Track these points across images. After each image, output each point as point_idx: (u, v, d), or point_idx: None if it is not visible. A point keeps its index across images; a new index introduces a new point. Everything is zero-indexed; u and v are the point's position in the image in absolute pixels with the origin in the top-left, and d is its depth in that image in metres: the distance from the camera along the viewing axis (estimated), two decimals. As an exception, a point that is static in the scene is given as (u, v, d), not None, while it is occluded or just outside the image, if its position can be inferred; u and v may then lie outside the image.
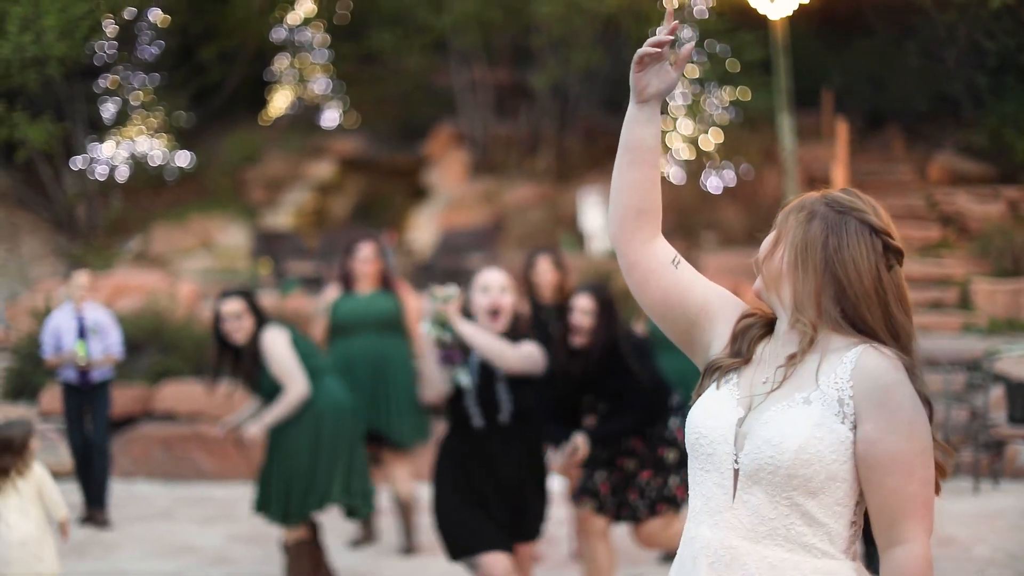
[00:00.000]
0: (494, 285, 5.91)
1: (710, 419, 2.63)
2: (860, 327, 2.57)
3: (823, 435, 2.49)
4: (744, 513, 2.54)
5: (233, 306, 6.99)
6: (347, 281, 8.64)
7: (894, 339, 2.55)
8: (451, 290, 5.87)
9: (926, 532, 2.46)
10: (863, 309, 2.55)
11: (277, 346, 6.98)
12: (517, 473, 5.97)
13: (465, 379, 5.88)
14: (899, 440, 2.46)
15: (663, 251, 2.82)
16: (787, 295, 2.62)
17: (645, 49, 2.73)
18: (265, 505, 7.21)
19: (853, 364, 2.51)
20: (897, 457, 2.46)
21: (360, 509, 7.43)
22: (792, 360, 2.58)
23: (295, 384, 6.98)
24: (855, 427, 2.49)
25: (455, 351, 5.87)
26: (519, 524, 5.99)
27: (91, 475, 9.89)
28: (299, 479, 7.11)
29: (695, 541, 2.60)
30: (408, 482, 8.65)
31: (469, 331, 5.80)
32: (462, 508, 5.87)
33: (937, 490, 2.53)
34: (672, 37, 2.73)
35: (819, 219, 2.60)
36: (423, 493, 8.87)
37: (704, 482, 2.62)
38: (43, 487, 5.98)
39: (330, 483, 7.19)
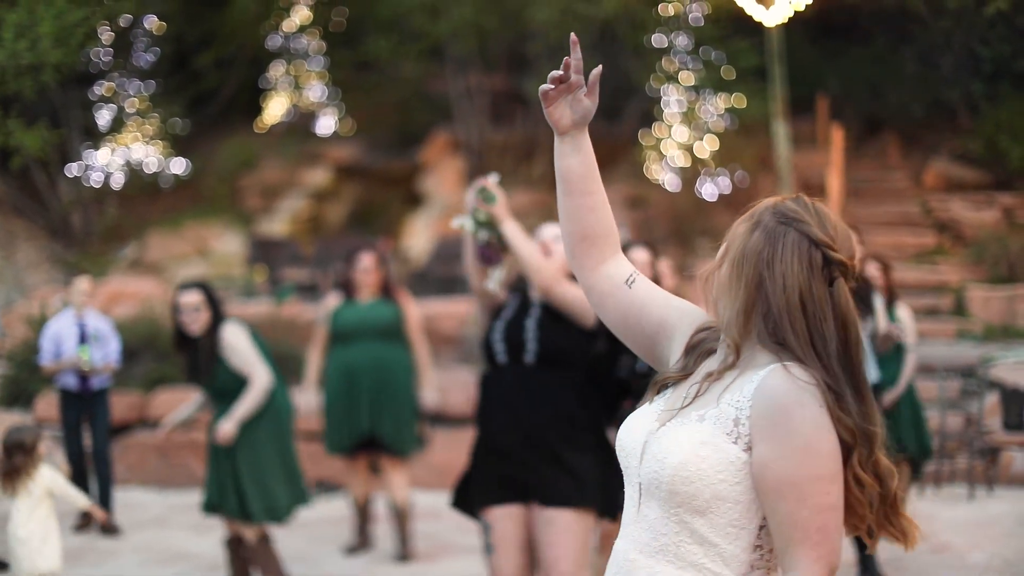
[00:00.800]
0: (548, 234, 5.58)
1: (627, 432, 2.59)
2: (784, 344, 2.45)
3: (707, 454, 2.39)
4: (643, 527, 2.49)
5: (191, 298, 7.07)
6: (348, 290, 8.69)
7: (819, 359, 2.41)
8: (494, 183, 5.38)
9: (818, 561, 2.33)
10: (786, 325, 2.43)
11: (239, 338, 7.07)
12: (546, 424, 5.30)
13: (494, 285, 5.40)
14: (791, 465, 2.34)
15: (616, 272, 2.79)
16: (722, 309, 2.54)
17: (545, 87, 2.74)
18: (223, 503, 7.20)
19: (756, 383, 2.41)
20: (788, 482, 2.34)
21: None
22: (708, 377, 2.51)
23: (260, 374, 7.05)
24: (750, 448, 2.39)
25: (493, 250, 5.37)
26: (554, 486, 5.24)
27: (90, 483, 9.88)
28: (273, 473, 7.20)
29: (614, 552, 2.59)
30: (405, 489, 8.65)
31: (513, 230, 5.30)
32: (473, 458, 5.49)
33: (850, 532, 2.45)
34: (564, 73, 2.75)
35: (760, 230, 2.50)
36: (419, 500, 8.88)
37: (626, 495, 2.59)
38: (55, 487, 6.27)
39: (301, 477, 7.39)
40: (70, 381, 9.76)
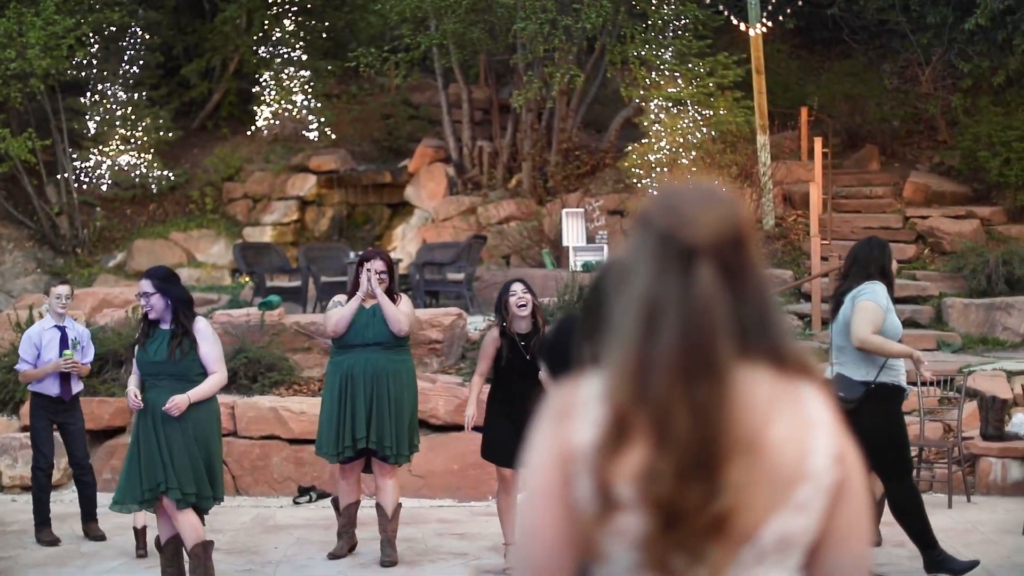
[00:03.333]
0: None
1: None
2: None
3: None
4: None
5: (144, 286, 7.47)
6: (354, 293, 8.71)
7: None
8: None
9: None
10: None
11: (210, 330, 7.56)
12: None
13: None
14: None
15: None
16: None
17: None
18: (179, 485, 7.42)
19: None
20: None
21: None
22: None
23: (223, 371, 7.55)
24: None
25: None
26: None
27: (85, 492, 9.88)
28: (217, 462, 7.62)
29: None
30: (394, 494, 8.70)
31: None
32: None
33: None
34: None
35: None
36: (401, 506, 8.95)
37: None
38: None
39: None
40: (51, 386, 9.71)
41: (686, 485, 1.87)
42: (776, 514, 1.93)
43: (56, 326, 9.75)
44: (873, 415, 7.24)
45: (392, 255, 18.56)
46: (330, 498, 8.99)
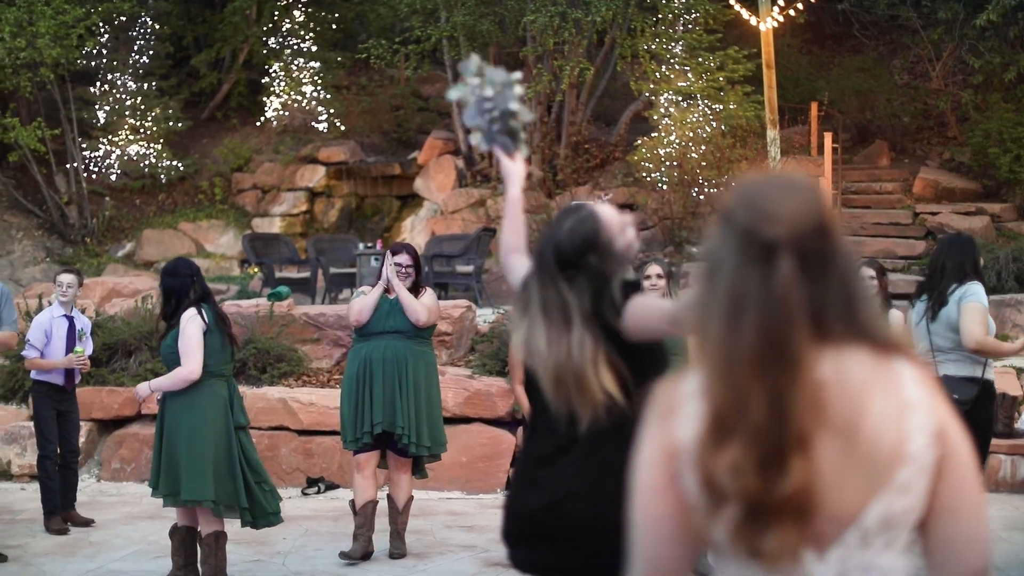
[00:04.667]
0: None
1: None
2: None
3: None
4: None
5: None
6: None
7: None
8: None
9: None
10: None
11: (191, 325, 7.41)
12: None
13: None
14: None
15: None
16: None
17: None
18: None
19: None
20: None
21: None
22: None
23: (190, 366, 7.37)
24: None
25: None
26: None
27: (70, 478, 9.91)
28: (191, 459, 7.48)
29: None
30: (407, 488, 8.70)
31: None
32: None
33: None
34: None
35: None
36: (417, 497, 8.95)
37: None
38: None
39: None
40: (56, 375, 9.77)
41: (766, 474, 1.92)
42: (877, 496, 1.98)
43: (65, 315, 9.79)
44: (986, 411, 7.26)
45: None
46: (349, 501, 8.86)
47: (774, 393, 1.94)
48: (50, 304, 10.28)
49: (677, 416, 2.07)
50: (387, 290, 8.70)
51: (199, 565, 7.69)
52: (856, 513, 1.98)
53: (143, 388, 7.60)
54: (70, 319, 9.81)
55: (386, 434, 8.43)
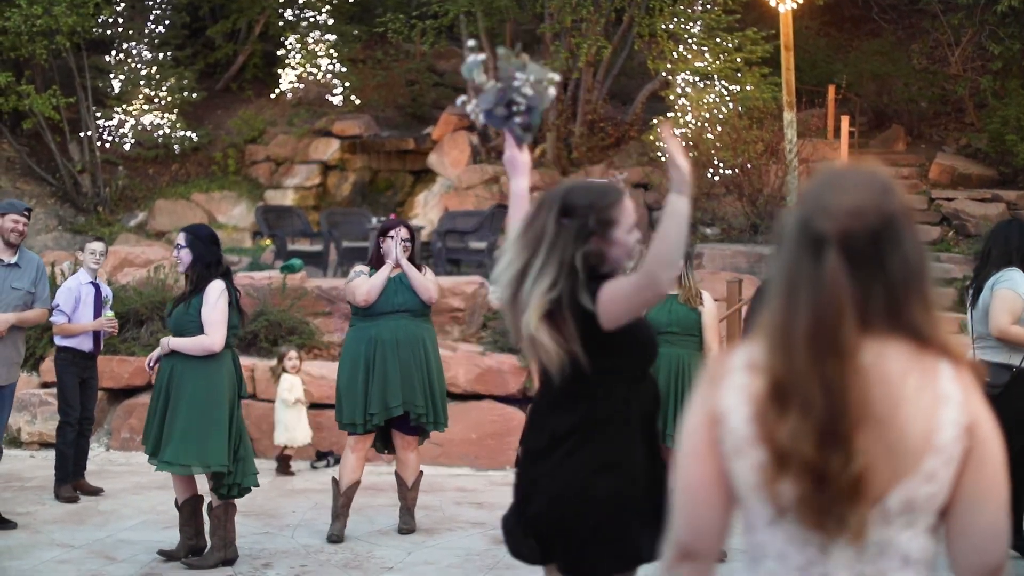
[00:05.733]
0: None
1: None
2: None
3: None
4: None
5: (179, 238, 7.61)
6: (379, 263, 8.61)
7: None
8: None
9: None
10: None
11: (221, 298, 7.44)
12: None
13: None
14: None
15: None
16: None
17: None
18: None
19: None
20: None
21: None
22: None
23: (215, 337, 7.40)
24: None
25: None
26: None
27: (83, 446, 9.94)
28: (190, 425, 7.49)
29: None
30: (416, 464, 8.68)
31: None
32: None
33: None
34: None
35: None
36: (426, 472, 8.93)
37: None
38: None
39: None
40: (85, 342, 9.83)
41: (826, 451, 2.05)
42: (903, 482, 2.10)
43: (92, 282, 9.85)
44: (1018, 399, 7.16)
45: (414, 222, 18.64)
46: (332, 478, 8.75)
47: (826, 372, 2.05)
48: (73, 272, 10.28)
49: (723, 386, 2.20)
50: (378, 266, 8.56)
51: (207, 536, 7.70)
52: (882, 495, 2.09)
53: (163, 343, 7.52)
54: (96, 286, 9.87)
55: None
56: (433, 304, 8.61)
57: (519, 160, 4.18)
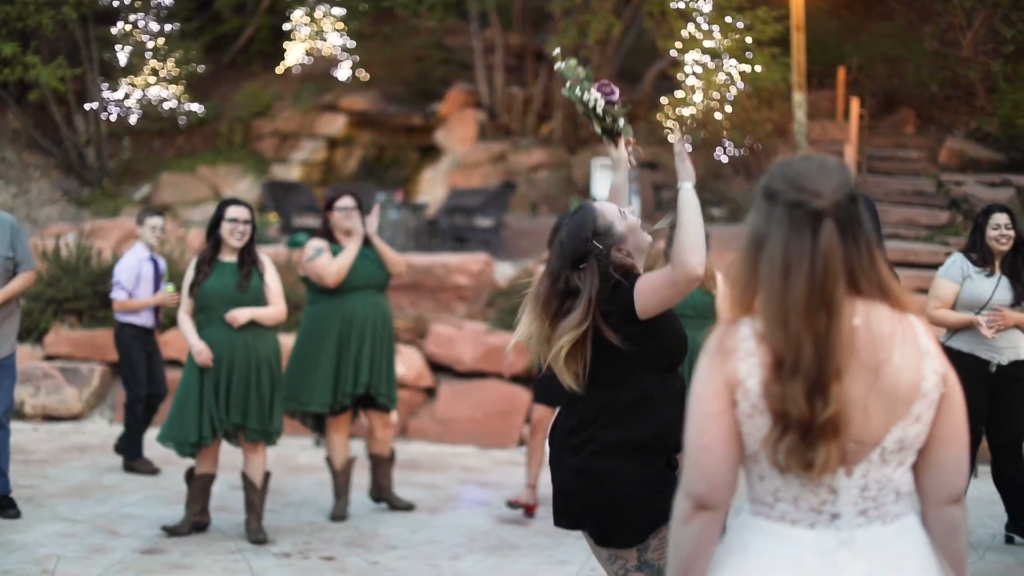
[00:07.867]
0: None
1: None
2: None
3: None
4: None
5: (243, 212, 7.58)
6: (330, 235, 8.36)
7: None
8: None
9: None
10: None
11: (275, 270, 7.73)
12: None
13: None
14: None
15: None
16: None
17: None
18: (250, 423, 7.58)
19: None
20: None
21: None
22: None
23: (284, 305, 7.67)
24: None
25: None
26: None
27: (149, 419, 9.90)
28: (273, 395, 7.71)
29: None
30: (389, 442, 8.67)
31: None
32: None
33: None
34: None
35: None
36: (424, 452, 8.91)
37: None
38: None
39: None
40: (147, 318, 9.77)
41: (812, 401, 2.42)
42: (897, 424, 2.51)
43: (151, 257, 9.78)
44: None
45: (420, 199, 18.58)
46: (325, 458, 8.67)
47: (819, 334, 2.43)
48: (134, 245, 10.10)
49: (735, 356, 2.53)
50: (334, 239, 8.35)
51: (246, 506, 7.67)
52: (880, 437, 2.50)
53: (244, 313, 7.43)
54: (155, 261, 9.80)
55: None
56: (402, 277, 8.58)
57: (614, 156, 4.64)
